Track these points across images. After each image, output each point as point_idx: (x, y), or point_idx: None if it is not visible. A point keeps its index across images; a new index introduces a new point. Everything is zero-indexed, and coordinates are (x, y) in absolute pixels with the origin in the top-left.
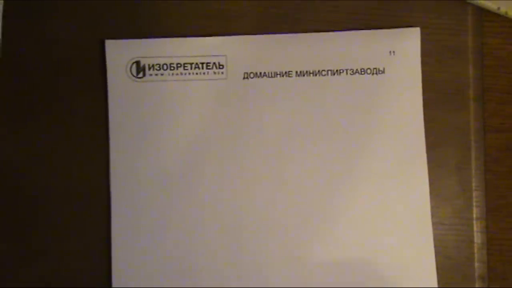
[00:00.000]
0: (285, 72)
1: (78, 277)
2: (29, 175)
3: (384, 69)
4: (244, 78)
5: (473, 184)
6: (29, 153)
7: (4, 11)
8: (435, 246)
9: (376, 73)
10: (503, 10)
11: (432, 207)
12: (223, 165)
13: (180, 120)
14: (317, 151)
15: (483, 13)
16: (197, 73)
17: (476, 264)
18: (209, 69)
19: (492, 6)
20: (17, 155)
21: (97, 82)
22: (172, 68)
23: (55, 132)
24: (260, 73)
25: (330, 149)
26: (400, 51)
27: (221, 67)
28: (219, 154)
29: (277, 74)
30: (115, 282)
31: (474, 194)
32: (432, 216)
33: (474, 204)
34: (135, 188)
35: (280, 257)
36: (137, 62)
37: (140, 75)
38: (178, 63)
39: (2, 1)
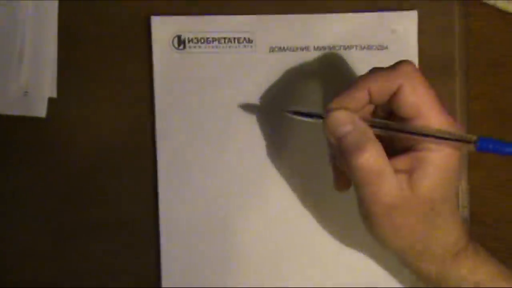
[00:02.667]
0: (305, 47)
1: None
2: (79, 133)
3: (387, 45)
4: (270, 51)
5: None
6: (84, 113)
7: None
8: None
9: (381, 49)
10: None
11: None
12: (250, 130)
13: (214, 86)
14: None
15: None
16: (229, 47)
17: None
18: (240, 43)
19: None
20: (74, 114)
21: (143, 52)
22: (208, 42)
23: (107, 95)
24: (284, 47)
25: None
26: (401, 30)
27: (250, 41)
28: (247, 118)
29: (297, 49)
30: (164, 282)
31: None
32: None
33: None
34: (177, 139)
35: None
36: (179, 36)
37: (181, 47)
38: (214, 38)
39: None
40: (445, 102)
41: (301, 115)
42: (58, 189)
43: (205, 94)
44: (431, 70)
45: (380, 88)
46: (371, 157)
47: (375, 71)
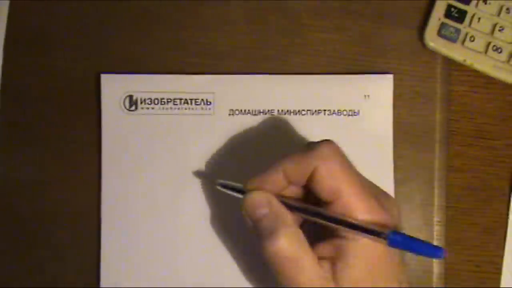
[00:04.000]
0: (268, 110)
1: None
2: (24, 197)
3: (359, 111)
4: (229, 114)
5: (435, 219)
6: (25, 177)
7: (7, 40)
8: None
9: (352, 115)
10: (469, 62)
11: None
12: (202, 195)
13: (168, 151)
14: None
15: (451, 63)
16: (186, 108)
17: None
18: (197, 104)
19: (459, 57)
20: (15, 178)
21: (92, 112)
22: (163, 103)
23: (51, 158)
24: (245, 110)
25: None
26: (374, 95)
27: (209, 103)
28: (199, 185)
29: (260, 112)
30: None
31: (436, 228)
32: None
33: (435, 237)
34: (124, 209)
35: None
36: (130, 96)
37: (133, 108)
38: (169, 98)
39: (5, 13)
40: (423, 174)
41: (228, 188)
42: None
43: (157, 159)
44: (408, 139)
45: (295, 170)
46: (285, 244)
47: (294, 152)
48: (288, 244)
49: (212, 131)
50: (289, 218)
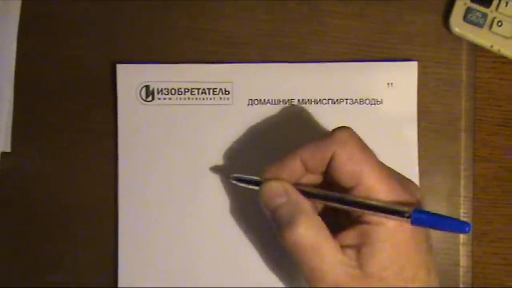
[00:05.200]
0: (288, 100)
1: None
2: (39, 189)
3: (382, 100)
4: (248, 104)
5: (461, 211)
6: (40, 169)
7: (22, 30)
8: None
9: (374, 104)
10: (496, 47)
11: None
12: (221, 187)
13: (185, 142)
14: None
15: (477, 48)
16: (203, 98)
17: (462, 286)
18: (215, 94)
19: (486, 43)
20: (29, 170)
21: (108, 102)
22: (180, 93)
23: (67, 149)
24: (264, 100)
25: None
26: (398, 83)
27: (227, 93)
28: (217, 176)
29: (280, 102)
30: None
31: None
32: None
33: None
34: (142, 202)
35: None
36: (147, 86)
37: (149, 98)
38: (186, 88)
39: (20, 1)
40: (449, 164)
41: (243, 181)
42: (8, 253)
43: (175, 150)
44: (433, 128)
45: (313, 156)
46: (304, 232)
47: (311, 140)
48: (308, 231)
49: (230, 121)
50: (307, 206)
